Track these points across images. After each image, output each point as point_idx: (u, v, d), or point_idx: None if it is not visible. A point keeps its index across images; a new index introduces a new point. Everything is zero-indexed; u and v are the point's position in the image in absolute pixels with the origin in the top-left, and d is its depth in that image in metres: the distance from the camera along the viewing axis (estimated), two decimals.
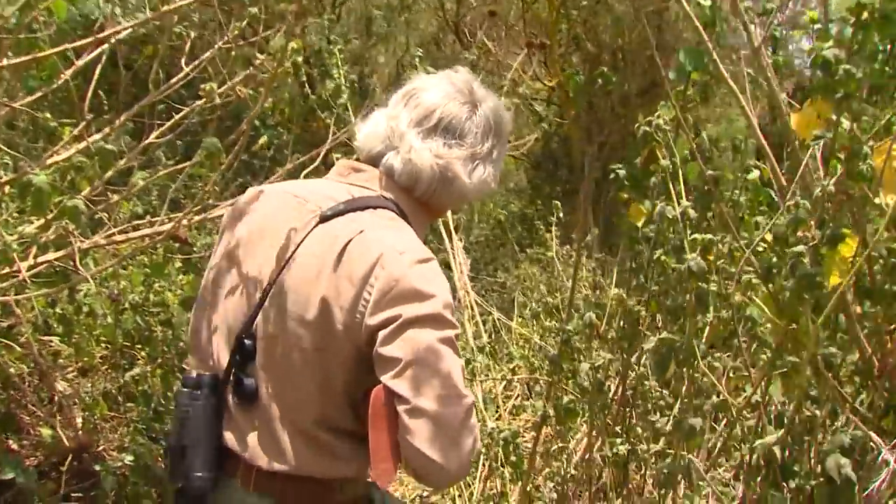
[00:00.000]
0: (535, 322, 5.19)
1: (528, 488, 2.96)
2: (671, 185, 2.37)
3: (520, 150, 11.97)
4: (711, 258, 2.24)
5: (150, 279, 3.03)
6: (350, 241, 1.46)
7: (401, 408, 1.37)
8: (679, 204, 2.31)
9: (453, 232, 4.12)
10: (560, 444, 2.97)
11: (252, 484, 1.53)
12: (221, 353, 1.58)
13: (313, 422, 1.50)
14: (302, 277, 1.48)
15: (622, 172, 2.59)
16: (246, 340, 1.53)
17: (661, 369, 2.26)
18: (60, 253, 2.32)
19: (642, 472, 2.82)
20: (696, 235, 2.26)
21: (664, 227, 2.38)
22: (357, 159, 1.67)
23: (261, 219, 1.60)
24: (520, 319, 5.24)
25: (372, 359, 1.42)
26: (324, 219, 1.51)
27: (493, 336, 5.01)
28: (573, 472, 2.94)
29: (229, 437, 1.55)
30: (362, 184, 1.59)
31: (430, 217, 1.69)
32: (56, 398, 2.92)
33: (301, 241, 1.51)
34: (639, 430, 2.66)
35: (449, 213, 4.21)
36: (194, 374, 1.59)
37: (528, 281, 5.30)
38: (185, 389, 1.57)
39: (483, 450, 3.15)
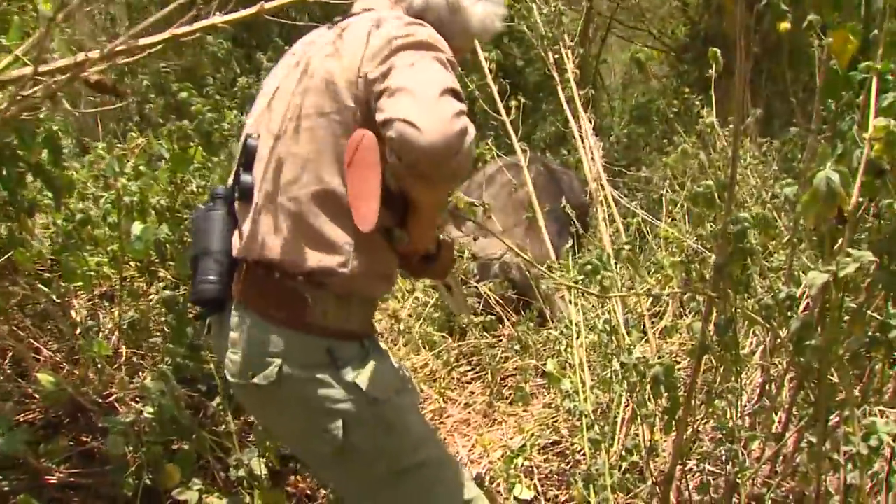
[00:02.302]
0: (690, 223, 4.32)
1: (684, 439, 2.19)
2: None
3: (661, 40, 10.87)
4: None
5: (177, 176, 2.38)
6: (352, 23, 1.63)
7: (381, 101, 1.46)
8: None
9: (580, 108, 3.28)
10: (727, 383, 2.16)
11: (241, 293, 1.62)
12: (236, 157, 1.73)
13: (310, 195, 1.56)
14: (308, 60, 1.63)
15: None
16: (250, 139, 1.67)
17: None
18: None
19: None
20: None
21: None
22: None
23: (287, 54, 1.80)
24: (669, 221, 4.37)
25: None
26: (330, 25, 1.70)
27: (637, 241, 4.17)
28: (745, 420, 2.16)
29: (234, 242, 1.67)
30: (370, 6, 1.72)
31: None
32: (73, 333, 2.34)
33: (312, 48, 1.67)
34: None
35: (578, 99, 3.39)
36: (216, 187, 1.75)
37: (680, 171, 4.41)
38: (203, 205, 1.73)
39: (623, 385, 2.38)
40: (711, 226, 2.45)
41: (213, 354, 2.30)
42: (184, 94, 2.67)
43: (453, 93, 1.45)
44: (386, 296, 1.86)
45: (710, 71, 3.26)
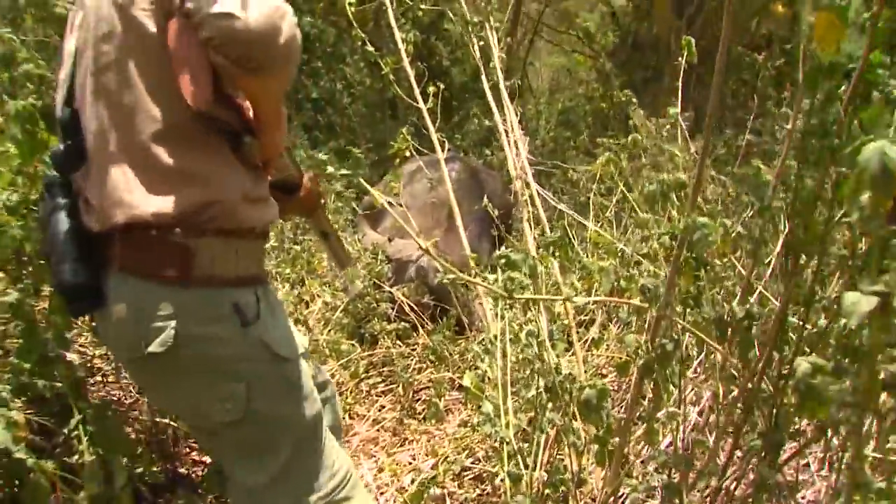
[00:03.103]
0: (619, 227, 4.07)
1: (618, 472, 1.91)
2: None
3: (590, 45, 10.73)
4: None
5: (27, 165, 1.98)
6: None
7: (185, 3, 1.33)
8: None
9: (506, 101, 2.98)
10: (669, 408, 1.89)
11: (118, 262, 1.48)
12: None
13: (150, 138, 1.44)
14: (93, 6, 1.49)
15: None
16: (63, 109, 1.54)
17: None
18: None
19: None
20: None
21: None
22: None
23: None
24: (598, 224, 4.12)
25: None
26: None
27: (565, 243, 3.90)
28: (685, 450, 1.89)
29: (89, 221, 1.52)
30: None
31: None
32: None
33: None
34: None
35: (504, 89, 3.09)
36: (48, 174, 1.61)
37: (608, 174, 4.16)
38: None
39: (548, 405, 2.08)
40: (657, 230, 2.17)
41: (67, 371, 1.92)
42: (30, 66, 2.21)
43: None
44: (271, 227, 1.68)
45: (636, 75, 3.00)
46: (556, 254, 2.02)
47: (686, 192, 1.55)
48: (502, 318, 2.30)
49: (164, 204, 1.44)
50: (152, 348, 1.45)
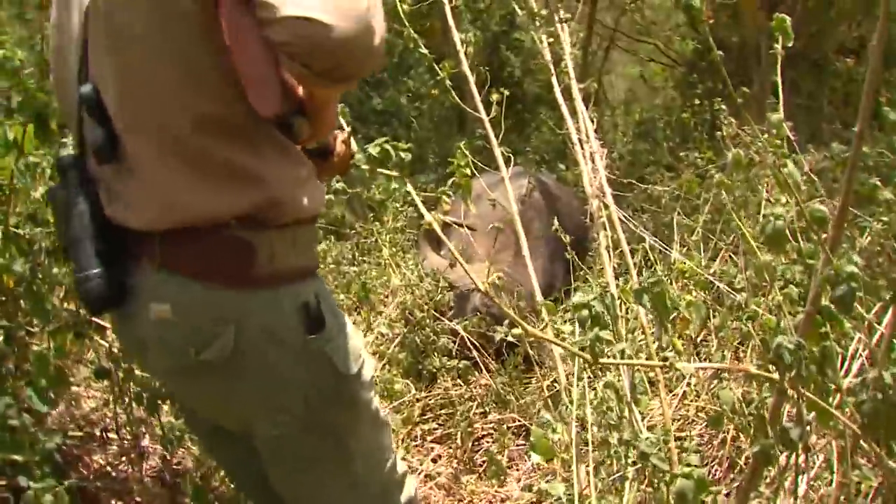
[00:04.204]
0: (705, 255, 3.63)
1: None
2: None
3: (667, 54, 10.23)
4: None
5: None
6: None
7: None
8: None
9: (580, 107, 2.59)
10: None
11: (159, 259, 1.33)
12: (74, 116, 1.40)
13: (194, 131, 1.27)
14: None
15: None
16: (82, 87, 1.33)
17: None
18: None
19: None
20: None
21: None
22: None
23: None
24: (682, 250, 3.68)
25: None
26: None
27: (643, 272, 3.46)
28: None
29: (116, 213, 1.36)
30: None
31: None
32: None
33: None
34: None
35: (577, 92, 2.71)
36: (61, 157, 1.42)
37: (694, 192, 3.74)
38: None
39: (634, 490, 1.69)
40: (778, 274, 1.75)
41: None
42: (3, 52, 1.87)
43: None
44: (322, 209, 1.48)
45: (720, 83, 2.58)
46: (648, 304, 1.61)
47: (822, 229, 1.15)
48: (579, 378, 1.91)
49: (217, 205, 1.31)
50: (206, 355, 1.33)
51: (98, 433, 2.21)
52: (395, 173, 2.04)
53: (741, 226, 2.14)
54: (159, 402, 1.90)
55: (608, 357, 1.62)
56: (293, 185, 1.37)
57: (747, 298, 2.06)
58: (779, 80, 1.78)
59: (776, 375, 1.30)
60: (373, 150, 1.66)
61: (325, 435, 1.46)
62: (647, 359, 2.19)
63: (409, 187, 2.01)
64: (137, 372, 1.97)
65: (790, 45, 1.81)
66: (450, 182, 2.61)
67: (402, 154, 1.70)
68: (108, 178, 1.36)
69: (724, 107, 3.69)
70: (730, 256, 3.63)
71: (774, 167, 1.55)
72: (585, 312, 1.54)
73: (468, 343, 3.47)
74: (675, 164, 5.66)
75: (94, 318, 1.95)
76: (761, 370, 1.36)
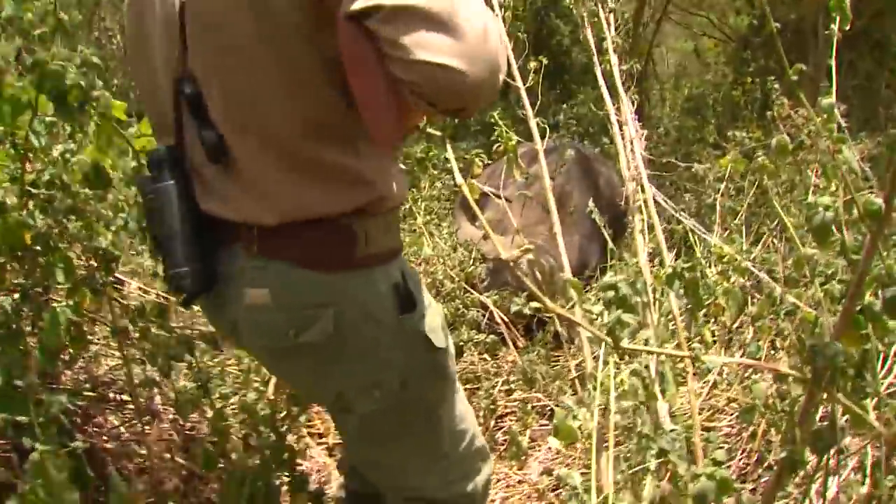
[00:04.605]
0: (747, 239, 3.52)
1: None
2: None
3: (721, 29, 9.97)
4: None
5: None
6: None
7: (379, 28, 1.11)
8: None
9: (621, 90, 2.49)
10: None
11: (256, 246, 1.34)
12: (169, 110, 1.38)
13: (301, 135, 1.29)
14: None
15: None
16: (184, 84, 1.32)
17: None
18: None
19: None
20: None
21: None
22: None
23: None
24: (723, 233, 3.58)
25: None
26: None
27: (680, 257, 3.36)
28: None
29: (212, 208, 1.37)
30: None
31: None
32: None
33: None
34: None
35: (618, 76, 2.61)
36: (155, 150, 1.41)
37: (742, 172, 3.61)
38: (147, 174, 1.39)
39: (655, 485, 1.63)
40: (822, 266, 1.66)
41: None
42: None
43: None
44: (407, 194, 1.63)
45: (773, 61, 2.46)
46: (681, 290, 1.54)
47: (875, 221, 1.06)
48: (605, 363, 1.84)
49: (325, 205, 1.33)
50: (306, 337, 1.35)
51: (112, 395, 2.21)
52: (436, 132, 1.99)
53: (781, 214, 2.04)
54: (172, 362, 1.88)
55: (633, 343, 1.56)
56: (392, 180, 1.41)
57: (784, 292, 1.96)
58: (833, 63, 1.68)
59: (809, 376, 1.23)
60: None
61: (419, 408, 1.51)
62: (677, 347, 2.11)
63: (449, 151, 1.97)
64: (154, 331, 1.95)
65: (848, 26, 1.71)
66: (493, 149, 2.56)
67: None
68: (210, 174, 1.37)
69: (776, 86, 3.56)
70: (772, 242, 3.52)
71: (826, 153, 1.46)
72: (612, 294, 1.48)
73: (497, 318, 3.41)
74: (722, 143, 5.52)
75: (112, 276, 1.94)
76: (795, 369, 1.29)
